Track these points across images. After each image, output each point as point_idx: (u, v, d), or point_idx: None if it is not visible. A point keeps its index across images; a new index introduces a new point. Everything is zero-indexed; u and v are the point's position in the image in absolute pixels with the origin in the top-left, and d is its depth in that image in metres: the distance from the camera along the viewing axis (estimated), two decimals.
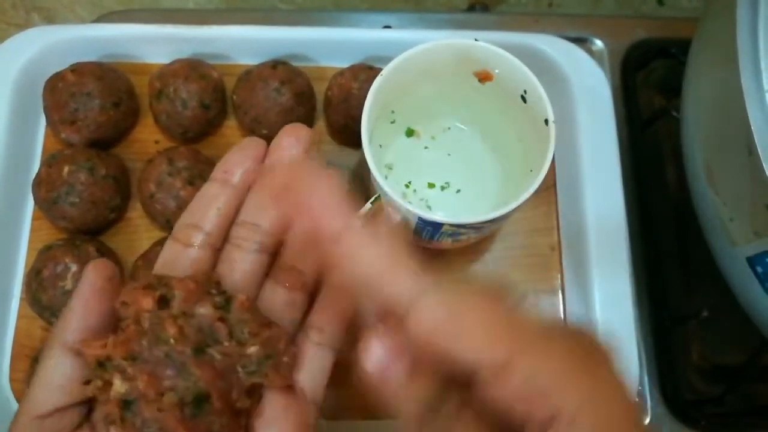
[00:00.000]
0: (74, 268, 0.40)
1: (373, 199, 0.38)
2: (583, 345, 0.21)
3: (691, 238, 0.49)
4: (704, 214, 0.41)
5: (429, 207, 0.45)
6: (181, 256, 0.29)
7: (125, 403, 0.24)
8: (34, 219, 0.45)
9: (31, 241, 0.45)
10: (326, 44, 0.48)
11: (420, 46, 0.39)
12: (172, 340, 0.24)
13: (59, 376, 0.25)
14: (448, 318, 0.20)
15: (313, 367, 0.28)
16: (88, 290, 0.26)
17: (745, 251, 0.37)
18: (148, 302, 0.25)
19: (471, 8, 0.65)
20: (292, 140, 0.30)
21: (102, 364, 0.24)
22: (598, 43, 0.54)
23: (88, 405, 0.26)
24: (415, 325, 0.20)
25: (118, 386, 0.24)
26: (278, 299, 0.29)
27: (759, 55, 0.33)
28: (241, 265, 0.29)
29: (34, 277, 0.41)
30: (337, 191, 0.23)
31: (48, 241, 0.43)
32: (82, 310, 0.26)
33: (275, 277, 0.30)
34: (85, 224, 0.43)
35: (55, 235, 0.44)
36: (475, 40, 0.39)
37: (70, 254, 0.41)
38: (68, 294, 0.40)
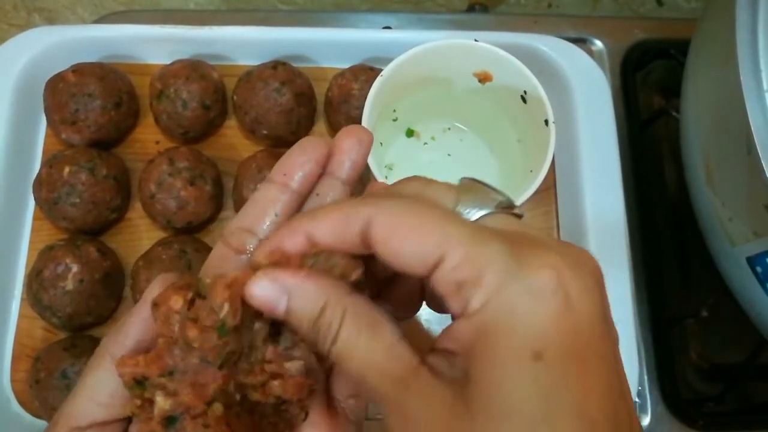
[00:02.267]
0: (75, 268, 0.40)
1: None
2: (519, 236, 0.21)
3: (690, 239, 0.49)
4: (703, 214, 0.41)
5: None
6: (230, 261, 0.27)
7: (169, 420, 0.23)
8: (34, 219, 0.45)
9: (32, 242, 0.45)
10: (326, 45, 0.48)
11: (420, 47, 0.39)
12: (195, 344, 0.22)
13: (103, 391, 0.24)
14: (390, 236, 0.21)
15: (354, 387, 0.27)
16: (144, 309, 0.25)
17: (744, 251, 0.37)
18: (177, 301, 0.23)
19: (471, 9, 0.65)
20: (353, 142, 0.28)
21: (140, 382, 0.23)
22: (598, 44, 0.54)
23: (128, 420, 0.25)
24: (374, 247, 0.22)
25: (162, 403, 0.22)
26: None
27: (758, 55, 0.33)
28: None
29: (35, 278, 0.41)
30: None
31: (49, 241, 0.43)
32: (138, 326, 0.25)
33: None
34: (85, 224, 0.43)
35: (56, 235, 0.44)
36: (475, 40, 0.39)
37: (70, 254, 0.41)
38: (69, 294, 0.40)
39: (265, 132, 0.45)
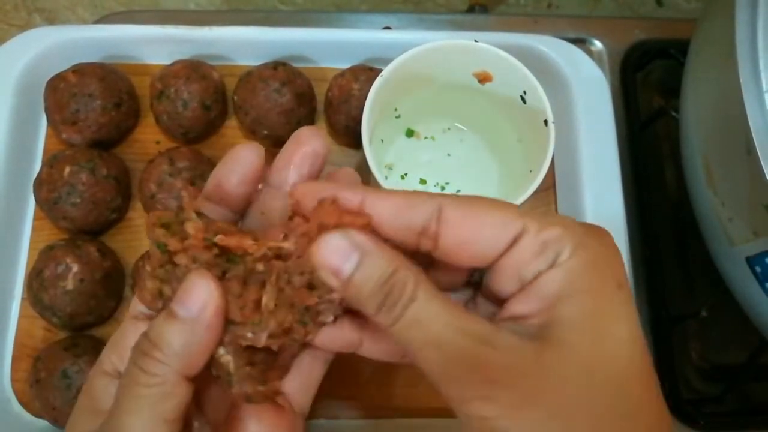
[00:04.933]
0: (75, 268, 0.41)
1: None
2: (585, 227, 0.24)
3: (690, 238, 0.49)
4: (703, 214, 0.41)
5: None
6: None
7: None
8: (35, 219, 0.45)
9: (32, 241, 0.45)
10: (327, 45, 0.49)
11: (420, 47, 0.39)
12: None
13: (106, 402, 0.25)
14: (467, 217, 0.23)
15: (303, 380, 0.28)
16: (131, 324, 0.26)
17: (744, 251, 0.37)
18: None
19: (470, 9, 0.65)
20: (307, 152, 0.29)
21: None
22: (598, 44, 0.54)
23: None
24: (444, 234, 0.23)
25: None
26: None
27: (758, 55, 0.33)
28: None
29: (36, 277, 0.41)
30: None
31: (49, 241, 0.43)
32: (123, 341, 0.26)
33: None
34: (86, 224, 0.43)
35: (57, 235, 0.44)
36: (475, 41, 0.40)
37: (71, 254, 0.41)
38: (69, 294, 0.40)
39: (265, 132, 0.45)
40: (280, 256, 0.25)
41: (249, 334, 0.24)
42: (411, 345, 0.22)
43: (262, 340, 0.24)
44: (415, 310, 0.21)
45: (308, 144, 0.28)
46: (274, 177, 0.28)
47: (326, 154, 0.29)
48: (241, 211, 0.29)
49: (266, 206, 0.28)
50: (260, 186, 0.29)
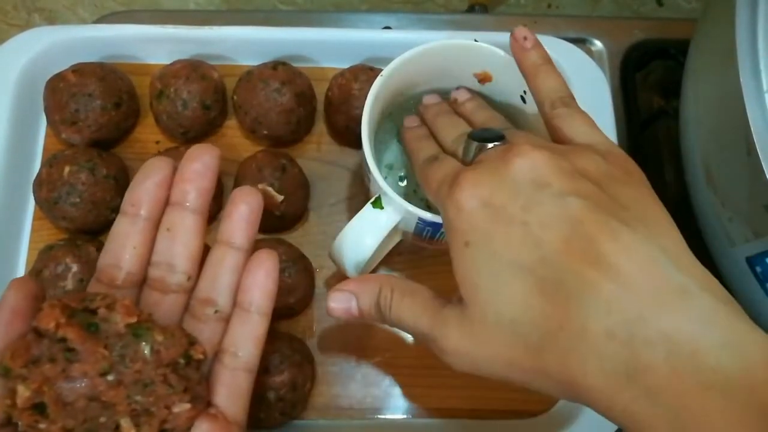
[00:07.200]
0: (75, 268, 0.40)
1: (373, 199, 0.38)
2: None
3: (690, 239, 0.49)
4: (703, 214, 0.41)
5: (429, 207, 0.45)
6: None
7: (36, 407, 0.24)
8: (34, 219, 0.45)
9: (31, 242, 0.45)
10: (327, 45, 0.49)
11: (420, 47, 0.39)
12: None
13: None
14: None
15: (230, 391, 0.29)
16: (8, 310, 0.26)
17: (744, 251, 0.37)
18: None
19: (470, 9, 0.66)
20: (197, 167, 0.31)
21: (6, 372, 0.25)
22: (598, 44, 0.54)
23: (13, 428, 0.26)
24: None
25: (22, 392, 0.24)
26: (197, 332, 0.30)
27: (758, 55, 0.33)
28: (162, 306, 0.31)
29: (35, 277, 0.41)
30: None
31: (49, 241, 0.43)
32: (2, 330, 0.26)
33: (192, 311, 0.31)
34: (86, 224, 0.43)
35: (56, 235, 0.44)
36: (475, 40, 0.39)
37: (71, 254, 0.41)
38: (69, 294, 0.40)
39: (265, 132, 0.45)
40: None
41: None
42: (402, 329, 0.31)
43: None
44: (394, 312, 0.30)
45: (198, 160, 0.31)
46: (174, 193, 0.31)
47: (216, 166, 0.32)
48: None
49: (171, 222, 0.31)
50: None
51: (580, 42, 0.53)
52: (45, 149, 0.47)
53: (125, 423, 0.25)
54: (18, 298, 0.27)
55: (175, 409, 0.26)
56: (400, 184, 0.45)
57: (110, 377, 0.25)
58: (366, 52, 0.48)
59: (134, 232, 0.30)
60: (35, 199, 0.44)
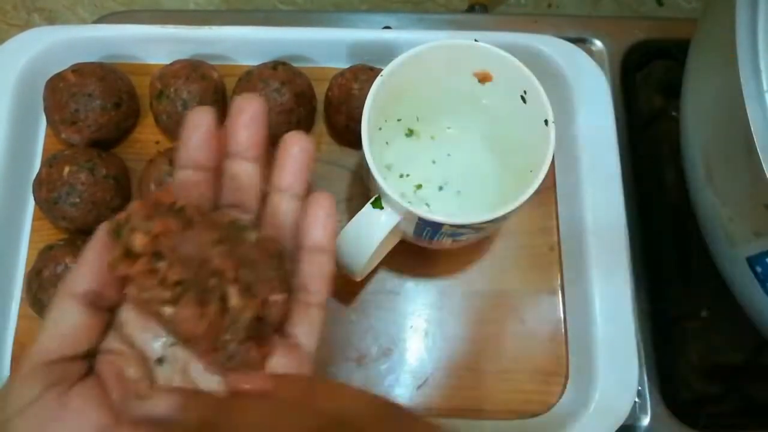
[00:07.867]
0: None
1: (373, 199, 0.38)
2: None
3: (690, 239, 0.49)
4: (703, 214, 0.41)
5: (429, 207, 0.45)
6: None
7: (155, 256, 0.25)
8: (34, 219, 0.45)
9: (31, 242, 0.45)
10: (326, 45, 0.49)
11: (420, 47, 0.39)
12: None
13: (67, 326, 0.25)
14: None
15: (306, 324, 0.30)
16: (101, 241, 0.26)
17: (745, 251, 0.37)
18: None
19: (470, 9, 0.66)
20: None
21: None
22: (598, 44, 0.54)
23: (92, 359, 0.26)
24: None
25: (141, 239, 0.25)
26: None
27: (758, 55, 0.33)
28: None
29: (35, 278, 0.41)
30: None
31: (49, 241, 0.43)
32: (93, 262, 0.26)
33: None
34: (85, 224, 0.43)
35: (56, 235, 0.44)
36: (475, 40, 0.39)
37: (70, 254, 0.41)
38: None
39: None
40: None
41: (228, 337, 0.25)
42: None
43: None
44: None
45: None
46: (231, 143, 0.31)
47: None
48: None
49: (233, 170, 0.31)
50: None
51: (580, 42, 0.53)
52: (45, 149, 0.47)
53: (233, 290, 0.25)
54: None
55: (272, 297, 0.26)
56: (400, 184, 0.45)
57: (222, 247, 0.25)
58: (366, 52, 0.48)
59: (199, 180, 0.30)
60: (35, 199, 0.44)
